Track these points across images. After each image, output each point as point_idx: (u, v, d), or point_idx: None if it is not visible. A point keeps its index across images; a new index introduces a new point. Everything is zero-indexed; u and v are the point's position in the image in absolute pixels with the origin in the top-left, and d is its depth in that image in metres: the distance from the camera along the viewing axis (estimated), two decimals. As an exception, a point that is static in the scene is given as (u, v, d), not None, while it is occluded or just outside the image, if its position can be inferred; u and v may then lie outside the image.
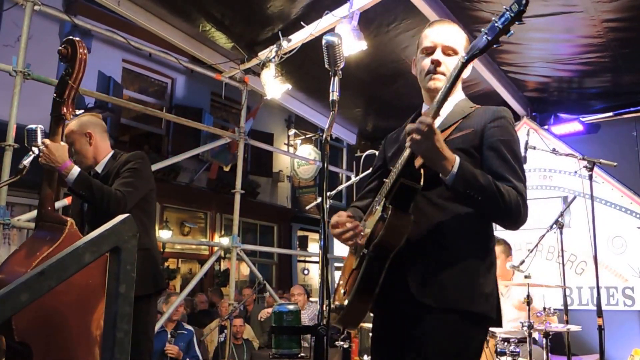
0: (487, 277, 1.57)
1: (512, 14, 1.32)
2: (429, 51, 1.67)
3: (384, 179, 1.65)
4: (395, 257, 1.53)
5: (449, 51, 1.65)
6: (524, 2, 1.31)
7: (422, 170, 1.52)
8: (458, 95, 1.73)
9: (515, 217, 1.53)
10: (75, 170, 2.32)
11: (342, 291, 1.68)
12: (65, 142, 2.52)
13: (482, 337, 1.63)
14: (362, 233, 1.62)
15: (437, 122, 1.63)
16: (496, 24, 1.36)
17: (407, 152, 1.50)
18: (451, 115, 1.67)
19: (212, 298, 7.99)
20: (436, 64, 1.64)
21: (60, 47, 2.22)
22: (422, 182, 1.51)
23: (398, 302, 1.58)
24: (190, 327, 5.17)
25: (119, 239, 0.98)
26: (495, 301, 1.59)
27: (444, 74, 1.63)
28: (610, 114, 5.35)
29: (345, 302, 1.57)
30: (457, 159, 1.46)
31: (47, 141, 2.26)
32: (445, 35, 1.66)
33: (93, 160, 2.64)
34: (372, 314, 1.79)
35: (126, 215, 1.02)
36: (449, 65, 1.63)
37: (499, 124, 1.61)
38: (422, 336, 1.53)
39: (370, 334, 1.75)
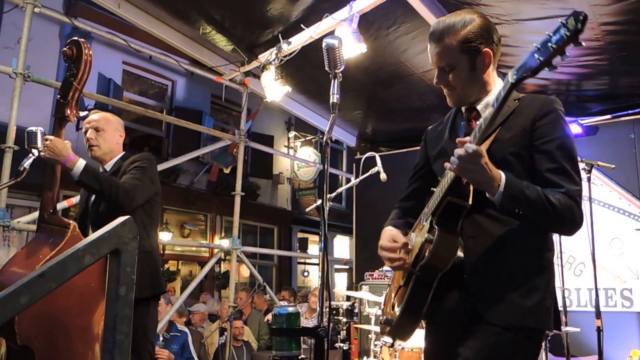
0: (547, 290, 1.51)
1: (568, 34, 1.16)
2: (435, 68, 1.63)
3: (432, 188, 1.58)
4: (455, 271, 1.50)
5: (445, 68, 1.57)
6: (581, 17, 1.12)
7: (470, 187, 1.46)
8: (499, 86, 1.52)
9: (569, 225, 1.46)
10: (81, 162, 2.30)
11: (392, 303, 1.68)
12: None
13: (539, 346, 1.56)
14: (409, 248, 1.60)
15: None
16: (550, 43, 1.20)
17: (452, 174, 1.44)
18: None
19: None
20: (440, 85, 1.62)
21: (65, 48, 2.22)
22: (470, 200, 1.46)
23: (456, 317, 1.54)
24: (184, 328, 5.03)
25: (119, 241, 0.98)
26: (552, 312, 1.53)
27: (453, 88, 1.59)
28: (608, 116, 5.35)
29: (395, 318, 1.59)
30: (503, 177, 1.38)
31: (51, 137, 2.24)
32: (436, 57, 1.58)
33: (109, 154, 2.66)
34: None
35: (126, 217, 1.02)
36: (453, 78, 1.57)
37: (549, 120, 1.49)
38: (478, 351, 1.47)
39: (423, 350, 1.75)
